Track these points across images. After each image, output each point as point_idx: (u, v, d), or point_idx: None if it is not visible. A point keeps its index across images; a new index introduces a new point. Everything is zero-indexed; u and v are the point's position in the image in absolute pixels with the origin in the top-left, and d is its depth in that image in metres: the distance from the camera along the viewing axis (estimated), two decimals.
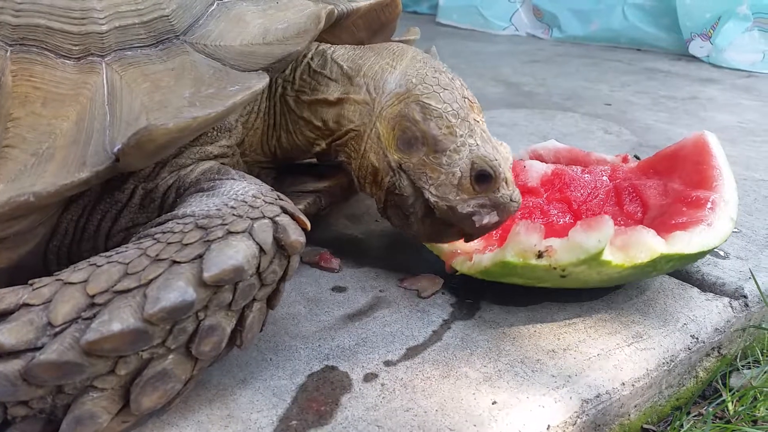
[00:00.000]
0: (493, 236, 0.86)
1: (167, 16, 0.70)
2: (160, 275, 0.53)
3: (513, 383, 0.65)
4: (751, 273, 0.87)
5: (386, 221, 0.85)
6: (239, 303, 0.57)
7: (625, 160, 1.03)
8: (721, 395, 0.79)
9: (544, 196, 0.96)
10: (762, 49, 2.49)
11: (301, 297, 0.81)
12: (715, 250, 0.81)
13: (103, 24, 0.67)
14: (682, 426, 0.74)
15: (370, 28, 0.97)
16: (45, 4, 0.66)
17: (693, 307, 0.80)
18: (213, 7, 0.73)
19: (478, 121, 0.78)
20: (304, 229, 0.62)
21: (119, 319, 0.50)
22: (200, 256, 0.55)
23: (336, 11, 0.80)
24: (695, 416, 0.76)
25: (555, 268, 0.72)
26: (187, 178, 0.71)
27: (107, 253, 0.57)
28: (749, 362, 0.84)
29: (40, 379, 0.50)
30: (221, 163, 0.76)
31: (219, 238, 0.56)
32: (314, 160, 0.92)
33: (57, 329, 0.50)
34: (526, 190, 0.96)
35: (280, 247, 0.59)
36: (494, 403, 0.62)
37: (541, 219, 0.92)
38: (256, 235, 0.58)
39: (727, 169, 0.87)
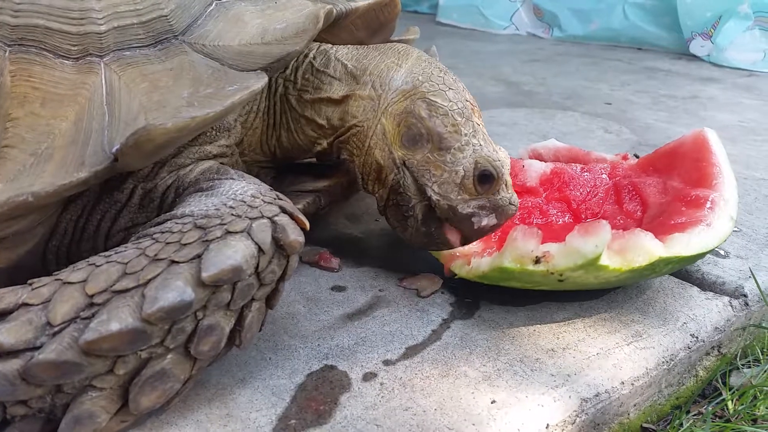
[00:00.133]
0: (491, 238, 0.86)
1: (166, 16, 0.70)
2: (158, 275, 0.53)
3: (512, 382, 0.65)
4: (751, 272, 0.87)
5: (386, 221, 0.85)
6: (238, 303, 0.57)
7: (625, 159, 1.02)
8: (720, 394, 0.79)
9: (543, 195, 0.96)
10: (763, 48, 2.49)
11: (301, 296, 0.82)
12: (716, 249, 0.81)
13: (101, 24, 0.67)
14: (681, 425, 0.74)
15: (369, 28, 0.97)
16: (44, 5, 0.66)
17: (693, 306, 0.80)
18: (211, 7, 0.73)
19: (479, 124, 0.79)
20: (303, 229, 0.62)
21: (118, 319, 0.50)
22: (199, 256, 0.55)
23: (335, 11, 0.80)
24: (695, 415, 0.76)
25: (552, 273, 0.72)
26: (186, 178, 0.71)
27: (106, 253, 0.57)
28: (749, 361, 0.84)
29: (39, 379, 0.50)
30: (220, 163, 0.76)
31: (218, 237, 0.57)
32: (314, 159, 0.92)
33: (56, 329, 0.51)
34: (525, 190, 0.96)
35: (279, 246, 0.59)
36: (493, 402, 0.62)
37: (540, 219, 0.92)
38: (255, 235, 0.58)
39: (727, 166, 0.87)
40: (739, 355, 0.84)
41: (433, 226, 0.79)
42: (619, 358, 0.70)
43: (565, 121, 1.73)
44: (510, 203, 0.76)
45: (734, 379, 0.80)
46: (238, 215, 0.59)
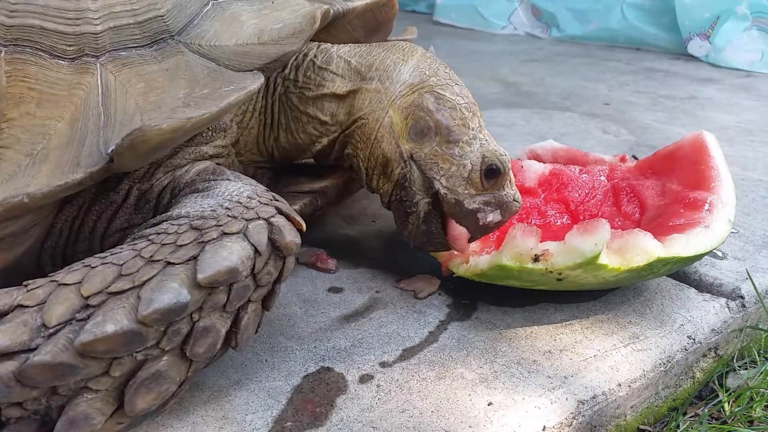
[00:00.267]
0: (490, 237, 0.86)
1: (162, 16, 0.70)
2: (154, 276, 0.53)
3: (509, 384, 0.65)
4: (748, 274, 0.87)
5: (383, 222, 0.85)
6: (234, 304, 0.57)
7: (623, 160, 1.02)
8: (717, 396, 0.79)
9: (542, 196, 0.96)
10: (761, 49, 2.49)
11: (297, 298, 0.81)
12: (713, 250, 0.81)
13: (97, 24, 0.67)
14: (678, 427, 0.74)
15: (367, 28, 0.97)
16: (39, 5, 0.66)
17: (690, 308, 0.80)
18: (208, 7, 0.73)
19: (482, 124, 0.80)
20: (299, 230, 0.62)
21: (113, 321, 0.50)
22: (194, 258, 0.55)
23: (332, 11, 0.79)
24: (691, 417, 0.76)
25: (551, 272, 0.72)
26: (182, 179, 0.71)
27: (102, 254, 0.57)
28: (746, 363, 0.84)
29: (34, 381, 0.49)
30: (216, 164, 0.75)
31: (213, 239, 0.56)
32: (311, 160, 0.92)
33: (51, 330, 0.50)
34: (523, 191, 0.96)
35: (276, 248, 0.59)
36: (490, 404, 0.62)
37: (539, 220, 0.91)
38: (251, 236, 0.58)
39: (725, 169, 0.87)
40: (735, 356, 0.84)
41: (433, 226, 0.79)
42: (616, 360, 0.70)
43: (563, 121, 1.72)
44: (514, 200, 0.77)
45: (731, 381, 0.80)
46: (234, 216, 0.59)
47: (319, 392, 0.64)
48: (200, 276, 0.53)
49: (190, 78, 0.67)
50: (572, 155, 1.07)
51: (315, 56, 0.85)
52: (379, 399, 0.63)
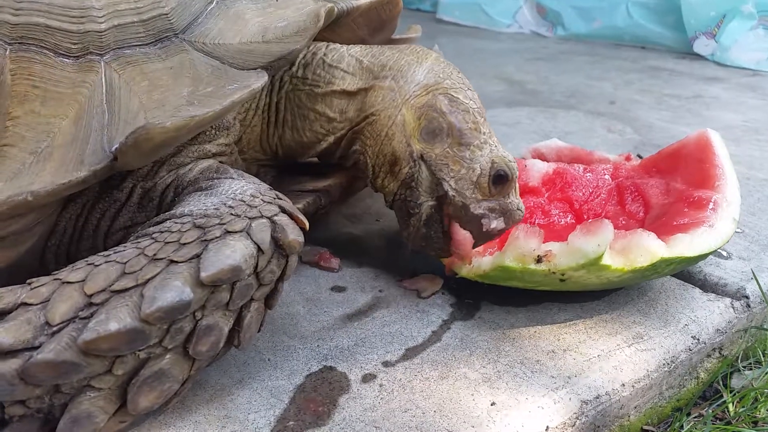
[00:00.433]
0: None
1: (166, 14, 0.70)
2: (157, 275, 0.53)
3: (512, 384, 0.65)
4: (753, 273, 0.86)
5: (387, 221, 0.85)
6: (237, 303, 0.57)
7: (627, 158, 1.02)
8: (721, 396, 0.78)
9: (546, 195, 0.96)
10: (767, 48, 2.47)
11: (300, 297, 0.81)
12: (718, 250, 0.81)
13: (101, 22, 0.67)
14: (682, 427, 0.73)
15: (371, 26, 0.97)
16: (44, 3, 0.66)
17: (694, 308, 0.80)
18: (212, 6, 0.73)
19: (491, 130, 0.80)
20: (302, 229, 0.62)
21: (116, 319, 0.50)
22: (198, 256, 0.55)
23: (336, 9, 0.79)
24: (695, 417, 0.76)
25: (554, 273, 0.72)
26: (186, 177, 0.71)
27: (105, 253, 0.57)
28: (750, 363, 0.84)
29: (38, 379, 0.50)
30: (220, 162, 0.75)
31: (217, 237, 0.56)
32: (315, 159, 0.92)
33: (54, 328, 0.50)
34: (527, 190, 0.95)
35: (279, 246, 0.59)
36: (493, 404, 0.62)
37: (543, 219, 0.91)
38: (254, 235, 0.58)
39: (730, 168, 0.87)
40: (740, 357, 0.83)
41: (433, 230, 0.79)
42: (620, 359, 0.70)
43: (567, 120, 1.72)
44: (518, 208, 0.78)
45: (735, 381, 0.80)
46: (237, 215, 0.59)
47: (322, 391, 0.64)
48: (203, 274, 0.53)
49: (194, 76, 0.67)
50: (576, 154, 1.07)
51: (325, 54, 0.85)
52: (381, 398, 0.63)
